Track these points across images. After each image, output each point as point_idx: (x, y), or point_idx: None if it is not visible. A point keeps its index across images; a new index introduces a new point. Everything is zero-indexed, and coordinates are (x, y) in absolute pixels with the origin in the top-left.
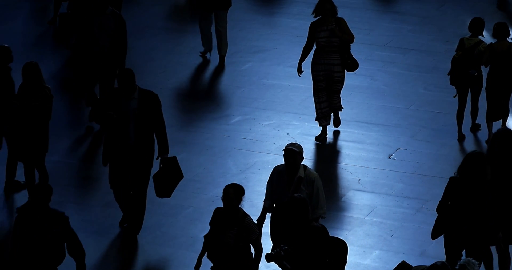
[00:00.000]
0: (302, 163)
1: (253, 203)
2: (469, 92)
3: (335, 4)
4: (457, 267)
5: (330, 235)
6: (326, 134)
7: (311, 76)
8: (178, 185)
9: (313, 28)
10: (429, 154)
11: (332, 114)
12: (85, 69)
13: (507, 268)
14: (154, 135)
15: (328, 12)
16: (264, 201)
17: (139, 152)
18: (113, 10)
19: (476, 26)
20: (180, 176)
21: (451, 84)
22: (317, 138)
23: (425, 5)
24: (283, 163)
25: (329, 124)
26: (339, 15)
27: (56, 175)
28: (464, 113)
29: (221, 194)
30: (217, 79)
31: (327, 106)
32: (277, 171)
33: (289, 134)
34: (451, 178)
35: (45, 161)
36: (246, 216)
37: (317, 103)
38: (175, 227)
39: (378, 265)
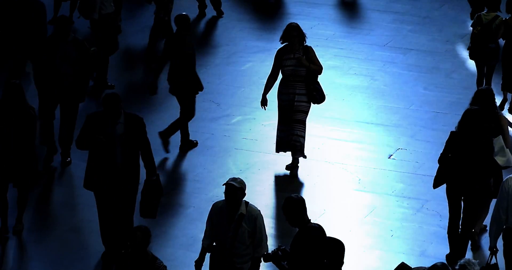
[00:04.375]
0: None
1: (253, 203)
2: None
3: (303, 31)
4: (457, 267)
5: (328, 235)
6: (298, 163)
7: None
8: (178, 185)
9: (279, 55)
10: (429, 154)
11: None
12: (46, 103)
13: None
14: (140, 159)
15: (295, 39)
16: (202, 240)
17: (125, 176)
18: (75, 37)
19: (493, 2)
20: (160, 192)
21: (470, 58)
22: (288, 167)
23: (425, 5)
24: (223, 199)
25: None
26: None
27: (57, 175)
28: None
29: (221, 194)
30: (217, 79)
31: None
32: (216, 207)
33: None
34: (451, 132)
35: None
36: (155, 259)
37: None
38: (175, 227)
39: (378, 265)
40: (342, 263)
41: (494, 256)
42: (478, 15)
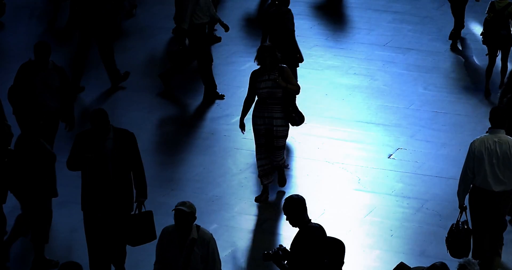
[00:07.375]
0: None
1: (253, 203)
2: (499, 52)
3: (276, 51)
4: (457, 267)
5: (328, 235)
6: (268, 194)
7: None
8: (178, 185)
9: (253, 77)
10: (429, 154)
11: (276, 172)
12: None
13: None
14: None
15: (267, 60)
16: (154, 264)
17: (119, 194)
18: (54, 64)
19: None
20: (153, 236)
21: (483, 43)
22: (257, 199)
23: (425, 5)
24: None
25: (271, 182)
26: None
27: (57, 176)
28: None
29: (221, 194)
30: (217, 79)
31: (269, 163)
32: (167, 232)
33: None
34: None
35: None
36: None
37: (258, 159)
38: None
39: (378, 265)
40: (343, 263)
41: (464, 213)
42: (492, 2)
